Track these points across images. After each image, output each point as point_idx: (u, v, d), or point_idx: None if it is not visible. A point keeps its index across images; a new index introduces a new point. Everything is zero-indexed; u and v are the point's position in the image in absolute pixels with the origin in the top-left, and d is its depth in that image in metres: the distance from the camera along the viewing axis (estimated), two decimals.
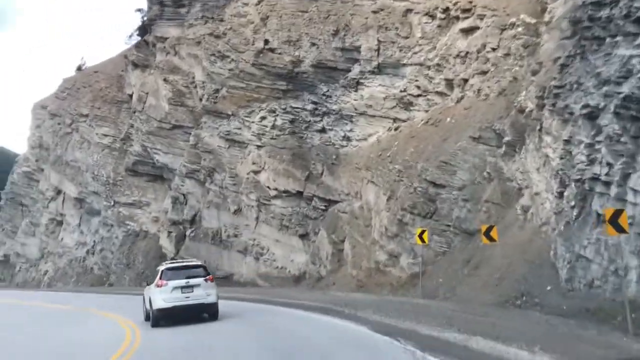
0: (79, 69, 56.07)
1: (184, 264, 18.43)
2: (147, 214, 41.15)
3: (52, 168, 48.12)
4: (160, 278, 16.83)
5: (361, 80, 29.94)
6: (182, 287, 16.43)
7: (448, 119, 25.30)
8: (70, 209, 46.36)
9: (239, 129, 35.09)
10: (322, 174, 31.47)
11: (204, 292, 16.61)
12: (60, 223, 47.65)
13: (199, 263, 18.91)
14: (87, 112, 46.51)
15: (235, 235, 34.31)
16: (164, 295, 16.31)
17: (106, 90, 46.92)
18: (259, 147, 34.28)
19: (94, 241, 43.58)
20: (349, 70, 30.37)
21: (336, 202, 30.43)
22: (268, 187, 33.10)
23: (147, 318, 17.89)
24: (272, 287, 30.99)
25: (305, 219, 31.33)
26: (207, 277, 17.06)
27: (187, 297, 16.37)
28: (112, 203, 42.30)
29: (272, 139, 33.59)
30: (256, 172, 33.94)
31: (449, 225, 21.64)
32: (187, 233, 35.99)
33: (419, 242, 20.79)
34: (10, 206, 53.84)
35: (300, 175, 31.66)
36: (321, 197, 30.93)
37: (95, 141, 45.12)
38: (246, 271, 33.81)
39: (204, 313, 17.09)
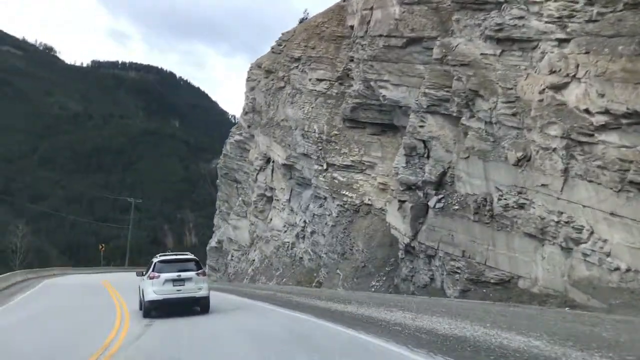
0: (301, 22, 45.01)
1: (177, 257, 17.43)
2: (371, 179, 26.99)
3: (261, 132, 37.32)
4: (153, 270, 16.08)
5: None
6: (174, 280, 15.85)
7: None
8: (279, 181, 34.80)
9: (520, 18, 19.21)
10: None
11: (195, 286, 16.04)
12: (269, 200, 36.58)
13: (192, 257, 17.46)
14: (300, 54, 34.46)
15: (521, 206, 17.99)
16: (155, 287, 15.74)
17: (323, 27, 34.41)
18: (561, 42, 17.93)
19: (305, 221, 31.11)
20: None
21: None
22: (586, 110, 16.43)
23: (141, 308, 17.18)
24: (607, 314, 13.73)
25: None
26: (199, 271, 16.44)
27: (178, 290, 15.82)
28: (325, 166, 29.21)
29: (588, 21, 17.04)
30: (558, 88, 17.58)
31: None
32: (431, 203, 20.66)
33: None
34: (225, 184, 44.87)
35: None
36: None
37: (307, 89, 32.74)
38: (544, 273, 17.18)
39: (195, 306, 16.39)
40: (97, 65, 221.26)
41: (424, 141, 22.24)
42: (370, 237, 24.67)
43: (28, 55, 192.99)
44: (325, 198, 29.24)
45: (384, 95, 25.58)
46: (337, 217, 27.38)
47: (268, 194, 36.35)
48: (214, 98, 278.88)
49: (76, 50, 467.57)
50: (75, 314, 16.85)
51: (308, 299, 17.38)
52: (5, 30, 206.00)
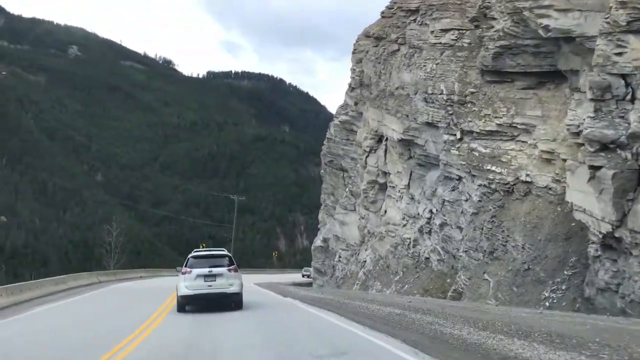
0: None
1: (210, 252, 17.18)
2: (529, 148, 19.02)
3: (371, 106, 30.34)
4: (186, 266, 15.78)
5: None
6: (205, 276, 15.45)
7: None
8: (394, 163, 27.55)
9: None
10: None
11: (226, 282, 15.63)
12: (382, 188, 29.43)
13: (225, 253, 17.07)
14: (418, 4, 27.23)
15: None
16: (187, 282, 15.41)
17: None
18: None
19: (431, 211, 23.55)
20: None
21: None
22: None
23: None
24: None
25: None
26: (231, 267, 15.94)
27: (209, 286, 15.46)
28: (459, 135, 21.63)
29: None
30: None
31: None
32: None
33: None
34: (330, 173, 38.11)
35: None
36: None
37: (429, 44, 25.36)
38: None
39: (228, 302, 15.83)
40: (212, 76, 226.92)
41: (624, 76, 14.11)
42: (534, 227, 16.81)
43: (149, 69, 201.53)
44: (459, 178, 21.64)
45: (545, 26, 17.59)
46: (479, 201, 19.72)
47: (380, 180, 29.29)
48: (322, 102, 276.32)
49: (192, 63, 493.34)
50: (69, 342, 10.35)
51: (477, 332, 9.16)
52: (129, 47, 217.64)
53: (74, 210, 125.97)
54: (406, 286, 22.52)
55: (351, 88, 35.03)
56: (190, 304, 15.46)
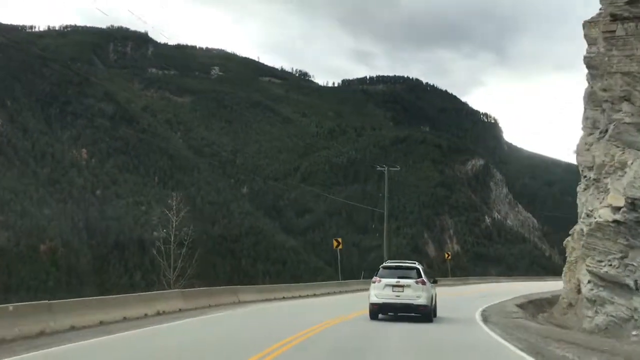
0: None
1: (399, 264, 17.63)
2: None
3: None
4: (376, 275, 16.76)
5: None
6: (393, 286, 16.07)
7: None
8: None
9: None
10: None
11: (413, 294, 15.94)
12: None
13: (414, 265, 17.17)
14: None
15: None
16: (376, 291, 16.28)
17: None
18: None
19: None
20: None
21: None
22: None
23: None
24: None
25: None
26: (419, 279, 16.16)
27: (397, 296, 16.04)
28: None
29: None
30: None
31: None
32: None
33: None
34: (627, 38, 15.20)
35: None
36: None
37: None
38: None
39: (414, 313, 16.24)
40: (346, 84, 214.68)
41: None
42: None
43: (286, 82, 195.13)
44: None
45: None
46: None
47: None
48: (462, 99, 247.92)
49: (327, 73, 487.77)
50: None
51: None
52: (266, 63, 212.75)
53: (221, 223, 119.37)
54: None
55: None
56: (378, 312, 16.07)
